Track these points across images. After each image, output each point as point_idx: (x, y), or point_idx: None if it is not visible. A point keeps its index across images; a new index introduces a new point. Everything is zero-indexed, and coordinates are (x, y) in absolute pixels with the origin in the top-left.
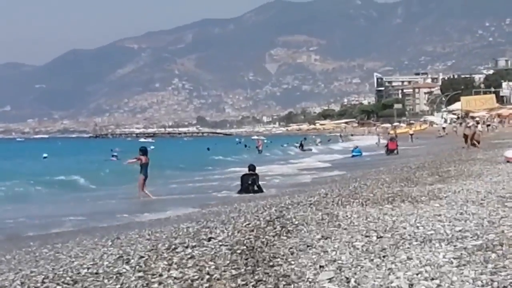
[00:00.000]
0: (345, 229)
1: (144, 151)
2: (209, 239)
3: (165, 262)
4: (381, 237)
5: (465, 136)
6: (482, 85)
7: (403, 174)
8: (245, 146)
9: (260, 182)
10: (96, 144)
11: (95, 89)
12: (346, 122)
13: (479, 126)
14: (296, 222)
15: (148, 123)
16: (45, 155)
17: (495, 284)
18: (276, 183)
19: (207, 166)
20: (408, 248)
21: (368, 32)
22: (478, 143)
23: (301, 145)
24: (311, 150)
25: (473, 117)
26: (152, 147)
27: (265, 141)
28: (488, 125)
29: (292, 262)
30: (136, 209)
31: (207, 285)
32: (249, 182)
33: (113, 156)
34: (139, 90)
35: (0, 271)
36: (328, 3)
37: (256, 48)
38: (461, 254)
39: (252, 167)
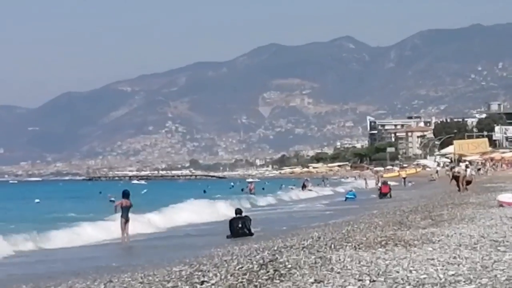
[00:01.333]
0: (338, 272)
1: (125, 194)
2: (202, 283)
3: None
4: (374, 281)
5: (455, 178)
6: (475, 129)
7: (396, 218)
8: (242, 190)
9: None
10: (90, 187)
11: (88, 132)
12: (339, 165)
13: (468, 170)
14: (289, 266)
15: (141, 166)
16: (37, 200)
17: None
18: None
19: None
20: None
21: (361, 76)
22: (469, 183)
23: (304, 186)
24: (311, 190)
25: (464, 160)
26: (145, 190)
27: (266, 183)
28: (479, 169)
29: None
30: (129, 252)
31: None
32: (239, 226)
33: (110, 200)
34: (132, 133)
35: None
36: (321, 47)
37: (249, 91)
38: None
39: (239, 211)
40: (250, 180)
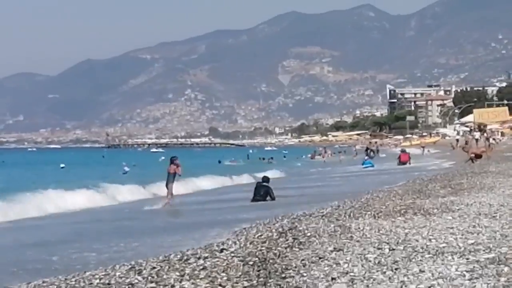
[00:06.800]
0: (358, 241)
1: (171, 160)
2: (221, 250)
3: (177, 273)
4: (393, 249)
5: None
6: (495, 98)
7: (415, 186)
8: (263, 159)
9: None
10: (109, 154)
11: (108, 99)
12: (358, 134)
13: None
14: (309, 234)
15: (161, 133)
16: (62, 165)
17: None
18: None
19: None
20: (420, 260)
21: (381, 44)
22: (479, 157)
23: (369, 150)
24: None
25: (482, 130)
26: (162, 157)
27: (284, 151)
28: (487, 139)
29: (304, 274)
30: (149, 217)
31: None
32: (261, 193)
33: (124, 173)
34: (151, 101)
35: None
36: (341, 15)
37: (269, 59)
38: (474, 267)
39: (266, 179)
40: (268, 148)
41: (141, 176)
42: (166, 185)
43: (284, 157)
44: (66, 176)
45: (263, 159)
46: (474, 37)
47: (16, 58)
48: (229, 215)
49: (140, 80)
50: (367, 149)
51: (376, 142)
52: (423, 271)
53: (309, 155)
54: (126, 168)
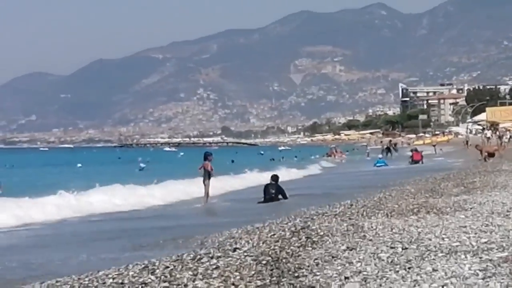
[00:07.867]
0: (370, 240)
1: (205, 156)
2: (234, 250)
3: (190, 273)
4: (406, 248)
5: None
6: (508, 96)
7: (428, 185)
8: (273, 160)
9: None
10: (122, 153)
11: (120, 99)
12: (371, 133)
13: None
14: (321, 233)
15: (173, 133)
16: (79, 165)
17: None
18: None
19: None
20: (433, 259)
21: (393, 43)
22: (492, 155)
23: (390, 147)
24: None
25: (494, 129)
26: (181, 153)
27: (297, 153)
28: (500, 137)
29: (317, 273)
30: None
31: None
32: (273, 193)
33: (140, 170)
34: (164, 100)
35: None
36: (352, 14)
37: (280, 58)
38: (487, 266)
39: (275, 177)
40: (282, 148)
41: (161, 173)
42: (204, 182)
43: (296, 157)
44: (88, 175)
45: (273, 160)
46: (486, 35)
47: (28, 58)
48: (242, 214)
49: (152, 79)
50: (385, 148)
51: (390, 141)
52: (436, 270)
53: (326, 154)
54: (142, 164)
